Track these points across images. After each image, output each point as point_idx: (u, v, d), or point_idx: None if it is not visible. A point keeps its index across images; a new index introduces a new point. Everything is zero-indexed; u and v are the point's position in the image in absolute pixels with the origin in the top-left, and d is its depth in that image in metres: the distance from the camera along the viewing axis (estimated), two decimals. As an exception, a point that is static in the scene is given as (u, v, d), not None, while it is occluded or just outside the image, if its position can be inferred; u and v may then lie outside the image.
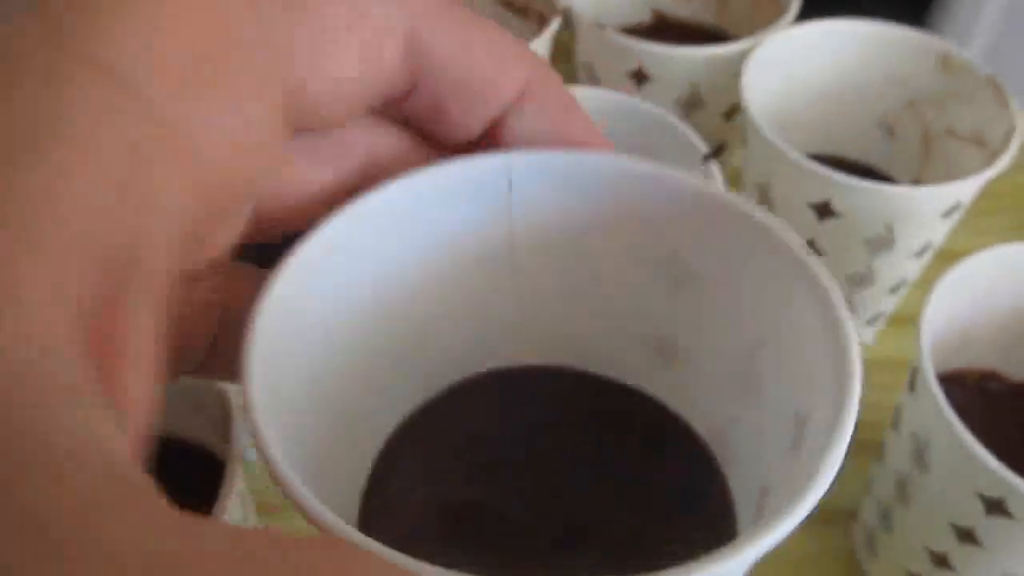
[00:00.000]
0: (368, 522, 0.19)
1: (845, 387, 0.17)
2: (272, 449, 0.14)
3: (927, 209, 0.36)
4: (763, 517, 0.17)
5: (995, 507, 0.28)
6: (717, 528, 0.20)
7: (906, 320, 0.45)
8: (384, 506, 0.20)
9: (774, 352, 0.19)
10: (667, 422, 0.21)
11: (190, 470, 0.34)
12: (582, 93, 0.39)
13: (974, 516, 0.30)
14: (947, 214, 0.37)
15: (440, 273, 0.20)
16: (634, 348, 0.21)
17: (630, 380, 0.22)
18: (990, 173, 0.36)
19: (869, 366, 0.47)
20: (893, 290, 0.41)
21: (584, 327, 0.22)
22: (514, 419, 0.21)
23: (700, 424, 0.21)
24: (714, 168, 0.35)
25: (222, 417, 0.31)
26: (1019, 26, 0.84)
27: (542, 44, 0.41)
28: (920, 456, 0.31)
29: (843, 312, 0.17)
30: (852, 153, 0.45)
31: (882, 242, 0.37)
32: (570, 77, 0.51)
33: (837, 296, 0.17)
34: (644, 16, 0.50)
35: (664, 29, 0.50)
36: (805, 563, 0.38)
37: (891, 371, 0.45)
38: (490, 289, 0.21)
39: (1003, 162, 0.36)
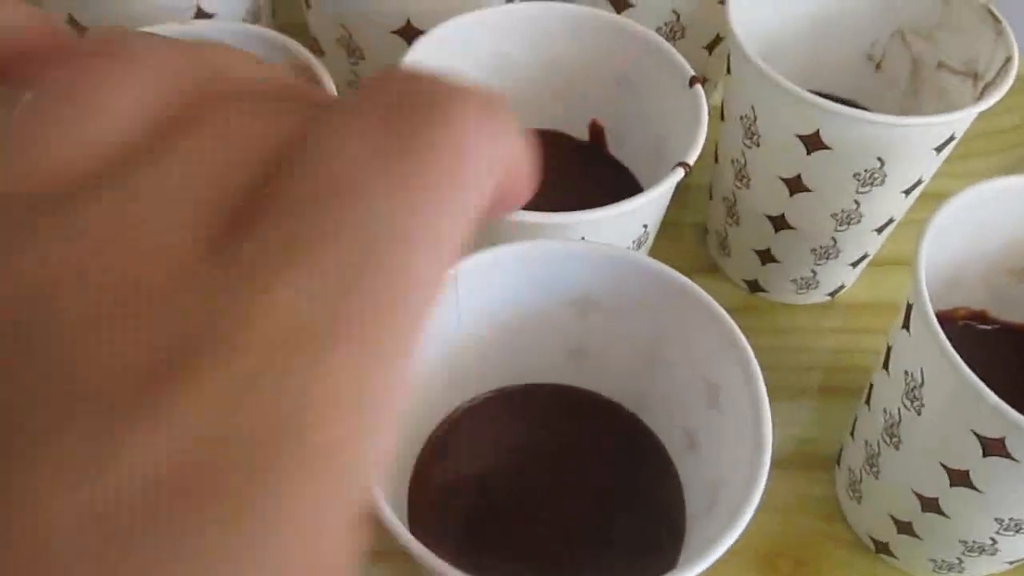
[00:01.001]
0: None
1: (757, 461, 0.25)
2: None
3: (920, 142, 0.34)
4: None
5: (993, 447, 0.27)
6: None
7: (889, 262, 0.44)
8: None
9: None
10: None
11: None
12: (568, 10, 0.36)
13: (970, 457, 0.28)
14: (940, 148, 0.35)
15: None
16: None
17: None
18: (985, 105, 0.34)
19: (853, 309, 0.46)
20: (879, 230, 0.39)
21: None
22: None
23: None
24: (700, 91, 0.33)
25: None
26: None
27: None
28: (913, 396, 0.30)
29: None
30: (837, 88, 0.43)
31: (872, 177, 0.36)
32: None
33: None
34: None
35: None
36: (788, 511, 0.37)
37: (875, 313, 0.44)
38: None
39: (1000, 92, 0.35)
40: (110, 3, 0.37)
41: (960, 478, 0.29)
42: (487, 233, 0.31)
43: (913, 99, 0.41)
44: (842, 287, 0.43)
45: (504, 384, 0.33)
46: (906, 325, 0.31)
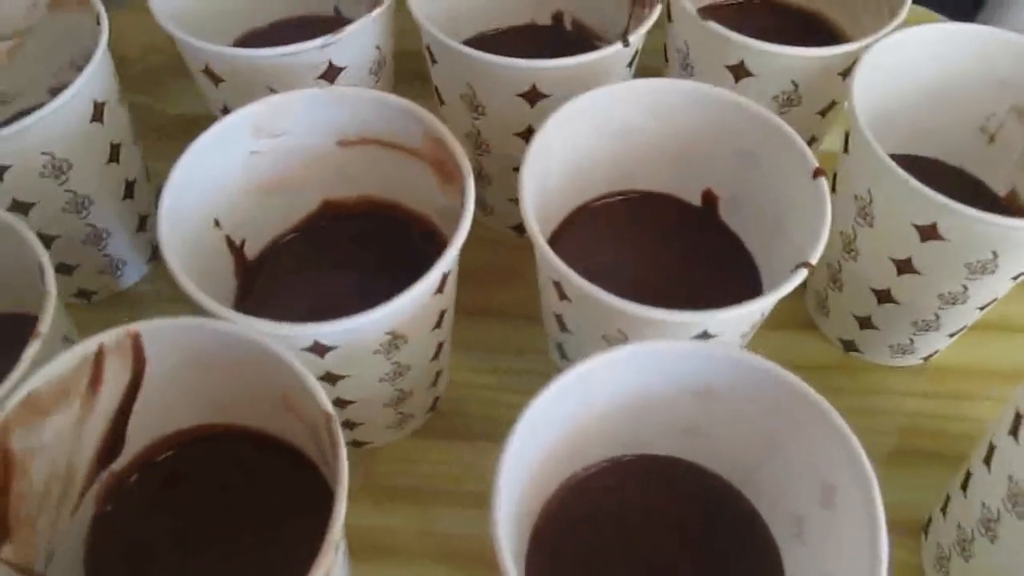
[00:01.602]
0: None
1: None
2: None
3: (1039, 239, 0.35)
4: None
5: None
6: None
7: (982, 327, 0.44)
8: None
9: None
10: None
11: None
12: (695, 88, 0.37)
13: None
14: (1055, 242, 0.36)
15: None
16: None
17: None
18: (1106, 206, 0.34)
19: (946, 373, 0.47)
20: (982, 307, 0.40)
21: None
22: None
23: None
24: (823, 185, 0.34)
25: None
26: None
27: (646, 26, 0.39)
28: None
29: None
30: (948, 155, 0.44)
31: (984, 267, 0.36)
32: (653, 61, 0.49)
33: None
34: (737, -9, 0.48)
35: (756, 7, 0.48)
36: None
37: (967, 379, 0.44)
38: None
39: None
40: (252, 56, 0.39)
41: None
42: (616, 322, 0.33)
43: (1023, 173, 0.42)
44: (936, 351, 0.44)
45: (620, 453, 0.35)
46: (1013, 432, 0.32)
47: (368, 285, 0.40)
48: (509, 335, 0.45)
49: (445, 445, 0.42)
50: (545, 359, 0.43)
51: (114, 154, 0.41)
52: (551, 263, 0.32)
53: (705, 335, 0.33)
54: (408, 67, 0.48)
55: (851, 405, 0.43)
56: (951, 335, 0.42)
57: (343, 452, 0.28)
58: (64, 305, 0.35)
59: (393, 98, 0.36)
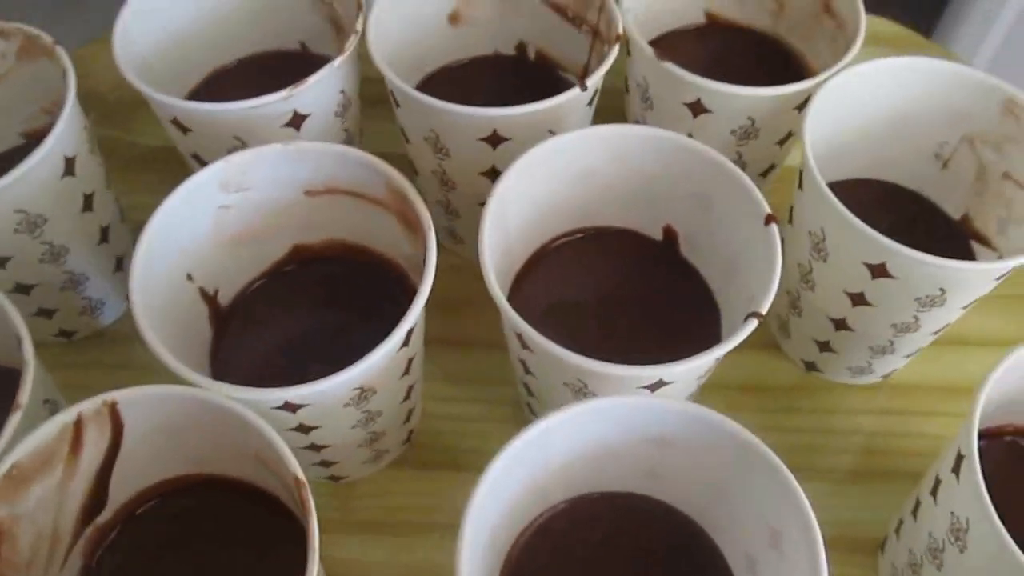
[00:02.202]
0: None
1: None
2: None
3: (982, 279, 0.36)
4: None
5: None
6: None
7: (941, 342, 0.46)
8: None
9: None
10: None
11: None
12: (653, 133, 0.38)
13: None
14: (1000, 277, 0.37)
15: None
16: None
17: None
18: (1047, 246, 0.36)
19: (904, 391, 0.48)
20: (936, 332, 0.41)
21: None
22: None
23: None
24: (774, 232, 0.35)
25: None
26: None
27: (603, 69, 0.40)
28: (957, 536, 0.33)
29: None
30: (904, 180, 0.45)
31: (933, 301, 0.38)
32: (616, 87, 0.49)
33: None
34: (697, 17, 0.48)
35: (716, 32, 0.48)
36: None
37: (925, 395, 0.45)
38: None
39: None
40: (216, 111, 0.39)
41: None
42: (574, 373, 0.34)
43: (978, 200, 0.43)
44: (895, 370, 0.46)
45: (584, 492, 0.36)
46: (955, 470, 0.33)
47: (340, 327, 0.41)
48: (482, 364, 0.46)
49: (420, 475, 0.43)
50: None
51: (87, 203, 0.42)
52: (511, 319, 0.34)
53: (660, 383, 0.34)
54: (379, 91, 0.49)
55: (812, 424, 0.45)
56: (907, 356, 0.44)
57: (314, 519, 0.29)
58: (42, 365, 0.36)
59: (355, 152, 0.37)
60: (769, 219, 0.36)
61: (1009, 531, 0.30)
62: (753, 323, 0.33)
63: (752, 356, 0.47)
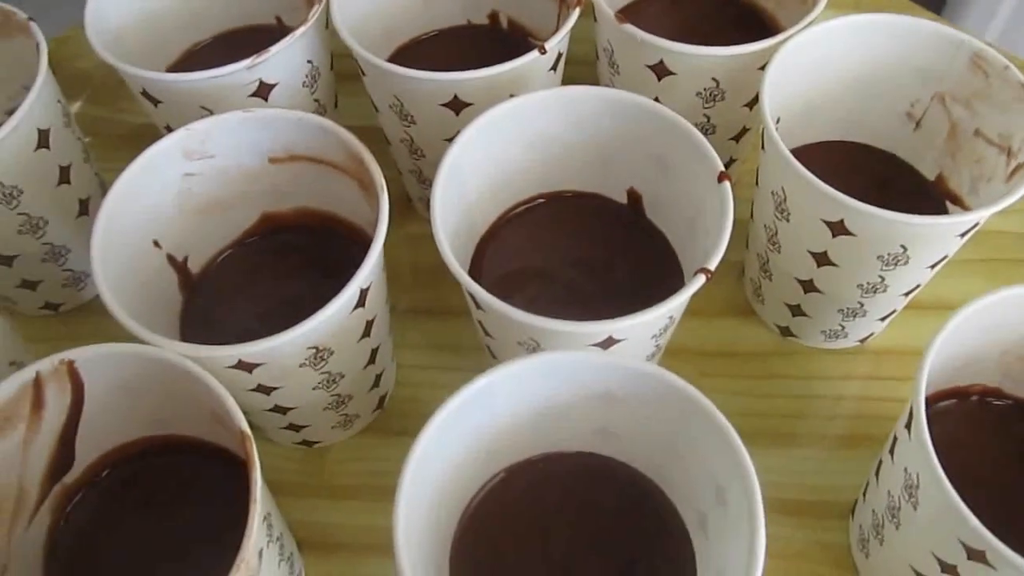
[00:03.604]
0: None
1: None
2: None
3: (944, 233, 0.36)
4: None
5: (977, 556, 0.30)
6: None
7: (923, 306, 0.45)
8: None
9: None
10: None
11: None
12: (609, 94, 0.38)
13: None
14: (964, 234, 0.36)
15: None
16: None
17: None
18: (1013, 199, 0.35)
19: (883, 356, 0.47)
20: (907, 294, 0.41)
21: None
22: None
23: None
24: (727, 189, 0.35)
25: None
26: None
27: (563, 33, 0.40)
28: (910, 492, 0.32)
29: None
30: (877, 141, 0.44)
31: (896, 259, 0.37)
32: (589, 57, 0.49)
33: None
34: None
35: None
36: (801, 558, 0.40)
37: (904, 360, 0.45)
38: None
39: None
40: (182, 81, 0.40)
41: (949, 570, 0.32)
42: (526, 331, 0.34)
43: (950, 160, 0.42)
44: (871, 334, 0.45)
45: (537, 453, 0.36)
46: (908, 425, 0.33)
47: (310, 295, 0.41)
48: (459, 332, 0.46)
49: (395, 441, 0.44)
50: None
51: (64, 176, 0.43)
52: (461, 278, 0.34)
53: (611, 340, 0.34)
54: (356, 65, 0.49)
55: (789, 390, 0.45)
56: (881, 319, 0.43)
57: (257, 472, 0.30)
58: (10, 329, 0.38)
59: (312, 118, 0.37)
60: (722, 176, 0.35)
61: (970, 490, 0.30)
62: (701, 279, 0.33)
63: (727, 323, 0.47)
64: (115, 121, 0.55)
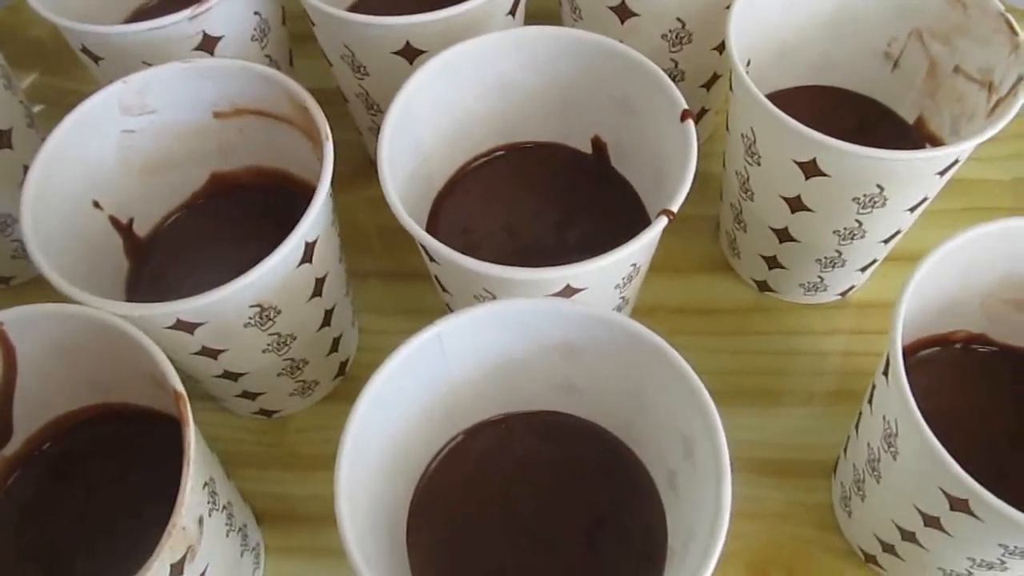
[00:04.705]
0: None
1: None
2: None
3: (922, 170, 0.34)
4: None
5: (959, 505, 0.28)
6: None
7: (904, 257, 0.43)
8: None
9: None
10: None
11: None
12: (567, 33, 0.36)
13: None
14: (943, 172, 0.34)
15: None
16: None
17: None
18: (992, 132, 0.33)
19: (864, 309, 0.45)
20: (886, 241, 0.39)
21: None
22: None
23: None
24: (690, 128, 0.33)
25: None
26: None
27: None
28: (889, 442, 0.31)
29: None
30: (854, 84, 0.42)
31: (873, 201, 0.35)
32: (551, 6, 0.47)
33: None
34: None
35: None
36: (784, 518, 0.38)
37: (886, 314, 0.43)
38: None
39: (1012, 111, 0.34)
40: (120, 33, 0.38)
41: (932, 522, 0.30)
42: (481, 282, 0.32)
43: (930, 100, 0.40)
44: (852, 287, 0.43)
45: (502, 412, 0.35)
46: (885, 372, 0.31)
47: (262, 257, 0.39)
48: (422, 296, 0.45)
49: (356, 409, 0.42)
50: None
51: (4, 140, 0.41)
52: (411, 229, 0.32)
53: (569, 289, 0.32)
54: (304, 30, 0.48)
55: (768, 346, 0.43)
56: (862, 269, 0.41)
57: (191, 432, 0.28)
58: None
59: (255, 67, 0.36)
60: (685, 115, 0.33)
61: (952, 439, 0.28)
62: (663, 220, 0.31)
63: (703, 279, 0.45)
64: (73, 91, 0.53)
